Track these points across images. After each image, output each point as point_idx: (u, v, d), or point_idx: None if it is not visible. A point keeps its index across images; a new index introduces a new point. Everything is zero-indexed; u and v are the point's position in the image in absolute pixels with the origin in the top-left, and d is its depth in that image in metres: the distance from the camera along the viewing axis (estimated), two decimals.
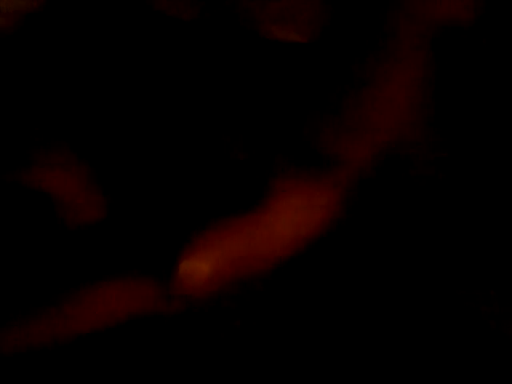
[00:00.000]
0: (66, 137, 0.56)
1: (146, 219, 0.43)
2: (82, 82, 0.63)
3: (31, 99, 0.60)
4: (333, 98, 0.47)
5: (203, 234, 0.40)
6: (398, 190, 0.59)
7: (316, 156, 0.43)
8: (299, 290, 0.57)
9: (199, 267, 0.40)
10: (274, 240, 0.41)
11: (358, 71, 0.48)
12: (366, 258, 0.57)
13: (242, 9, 0.84)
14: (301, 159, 0.42)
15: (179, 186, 0.44)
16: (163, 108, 0.60)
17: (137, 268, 0.42)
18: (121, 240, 0.42)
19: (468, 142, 1.00)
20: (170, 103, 0.61)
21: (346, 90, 0.48)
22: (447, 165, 0.67)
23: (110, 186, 0.45)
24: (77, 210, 0.47)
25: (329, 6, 0.59)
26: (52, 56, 0.65)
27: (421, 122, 0.63)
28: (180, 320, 0.46)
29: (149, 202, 0.44)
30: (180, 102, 0.61)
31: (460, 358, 0.66)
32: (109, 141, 0.57)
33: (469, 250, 0.70)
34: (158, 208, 0.43)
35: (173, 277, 0.40)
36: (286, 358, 0.59)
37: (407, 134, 0.51)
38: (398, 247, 0.62)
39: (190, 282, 0.40)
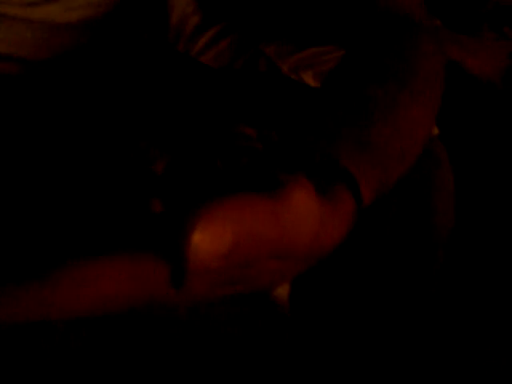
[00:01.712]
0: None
1: (146, 182, 0.41)
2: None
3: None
4: (354, 120, 0.47)
5: (217, 202, 0.35)
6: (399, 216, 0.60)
7: (331, 170, 0.42)
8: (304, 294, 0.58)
9: (218, 238, 0.34)
10: (287, 230, 0.38)
11: (379, 99, 0.48)
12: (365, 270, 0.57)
13: (268, 56, 0.87)
14: (315, 171, 0.41)
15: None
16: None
17: (137, 241, 0.36)
18: (119, 208, 0.39)
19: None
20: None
21: (367, 115, 0.48)
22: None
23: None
24: None
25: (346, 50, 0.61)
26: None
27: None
28: (185, 312, 0.43)
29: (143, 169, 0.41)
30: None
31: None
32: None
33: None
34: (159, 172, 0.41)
35: (183, 250, 0.34)
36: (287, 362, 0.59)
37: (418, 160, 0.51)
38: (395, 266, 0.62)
39: (205, 255, 0.34)
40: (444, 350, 0.71)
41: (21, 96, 0.65)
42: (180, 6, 0.88)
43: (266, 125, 0.41)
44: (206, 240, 0.33)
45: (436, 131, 0.73)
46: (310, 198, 0.36)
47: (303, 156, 0.40)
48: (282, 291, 0.49)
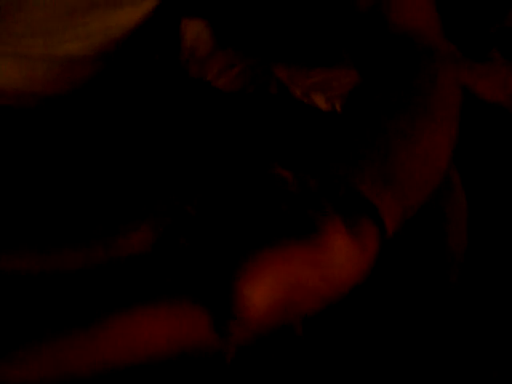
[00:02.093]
0: None
1: (195, 239, 0.39)
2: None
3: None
4: (376, 151, 0.46)
5: (267, 254, 0.34)
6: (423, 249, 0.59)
7: (355, 202, 0.41)
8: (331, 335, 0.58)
9: (269, 292, 0.33)
10: (329, 278, 0.36)
11: (400, 129, 0.48)
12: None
13: (281, 80, 0.88)
14: (340, 203, 0.40)
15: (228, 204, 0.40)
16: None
17: (183, 292, 0.35)
18: (165, 261, 0.36)
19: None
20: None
21: (389, 145, 0.47)
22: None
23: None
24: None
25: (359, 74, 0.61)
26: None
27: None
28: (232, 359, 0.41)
29: (197, 222, 0.40)
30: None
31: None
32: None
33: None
34: (207, 226, 0.39)
35: (233, 303, 0.33)
36: None
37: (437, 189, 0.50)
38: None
39: (256, 310, 0.33)
40: (454, 369, 0.71)
41: (36, 130, 0.65)
42: (193, 30, 0.89)
43: (300, 166, 0.40)
44: (258, 295, 0.33)
45: None
46: (348, 243, 0.36)
47: (327, 189, 0.39)
48: None
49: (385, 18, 0.57)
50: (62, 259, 0.36)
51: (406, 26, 0.57)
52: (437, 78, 0.53)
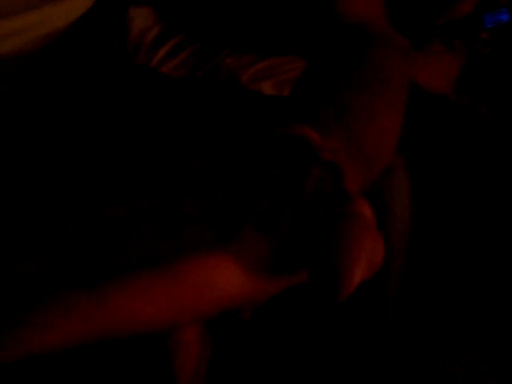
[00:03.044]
0: None
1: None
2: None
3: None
4: (341, 118, 0.48)
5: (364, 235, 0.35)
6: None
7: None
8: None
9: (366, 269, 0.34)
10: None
11: (357, 104, 0.50)
12: None
13: (228, 67, 0.88)
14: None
15: None
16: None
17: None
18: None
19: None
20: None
21: (351, 116, 0.48)
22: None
23: None
24: None
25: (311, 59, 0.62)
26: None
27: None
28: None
29: None
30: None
31: None
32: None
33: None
34: None
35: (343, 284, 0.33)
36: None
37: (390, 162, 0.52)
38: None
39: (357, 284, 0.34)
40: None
41: None
42: (140, 18, 0.89)
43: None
44: (361, 274, 0.34)
45: None
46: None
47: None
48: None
49: (335, 8, 0.59)
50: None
51: (356, 17, 0.59)
52: (387, 63, 0.55)
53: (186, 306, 0.33)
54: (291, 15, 0.62)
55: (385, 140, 0.51)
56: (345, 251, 0.33)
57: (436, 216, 1.05)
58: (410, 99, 0.56)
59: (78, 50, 0.76)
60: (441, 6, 1.26)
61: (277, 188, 0.36)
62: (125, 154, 0.61)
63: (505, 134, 1.19)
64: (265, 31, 0.86)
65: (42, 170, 0.58)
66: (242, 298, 0.35)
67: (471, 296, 1.02)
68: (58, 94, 0.70)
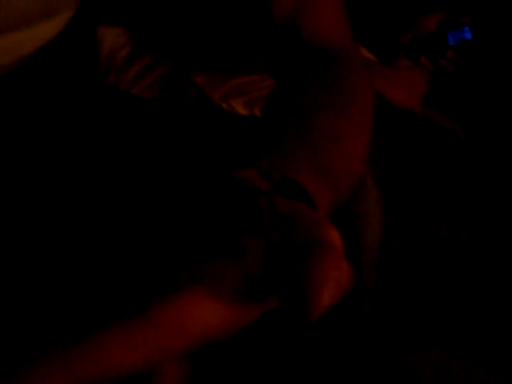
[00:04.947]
0: None
1: None
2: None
3: None
4: (305, 144, 0.49)
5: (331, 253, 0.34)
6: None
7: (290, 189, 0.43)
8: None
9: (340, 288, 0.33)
10: None
11: (323, 128, 0.51)
12: None
13: (199, 86, 0.89)
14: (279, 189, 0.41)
15: None
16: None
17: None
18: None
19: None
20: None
21: (316, 140, 0.49)
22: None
23: None
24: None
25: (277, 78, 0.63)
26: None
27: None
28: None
29: None
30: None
31: None
32: None
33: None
34: None
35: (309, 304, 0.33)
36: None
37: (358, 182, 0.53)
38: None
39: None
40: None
41: None
42: (110, 38, 0.89)
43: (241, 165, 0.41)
44: (329, 298, 0.33)
45: None
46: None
47: (267, 178, 0.41)
48: None
49: (299, 29, 0.60)
50: None
51: (319, 37, 0.60)
52: (353, 83, 0.56)
53: (165, 347, 0.34)
54: (259, 36, 0.63)
55: (352, 160, 0.52)
56: (312, 280, 0.34)
57: (406, 229, 1.06)
58: (376, 113, 0.57)
59: (47, 73, 0.76)
60: (405, 23, 1.28)
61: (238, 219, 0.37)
62: (88, 179, 0.61)
63: (472, 148, 1.22)
64: (234, 50, 0.87)
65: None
66: (219, 331, 0.35)
67: (441, 302, 1.04)
68: (25, 116, 0.70)
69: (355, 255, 0.68)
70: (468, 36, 1.27)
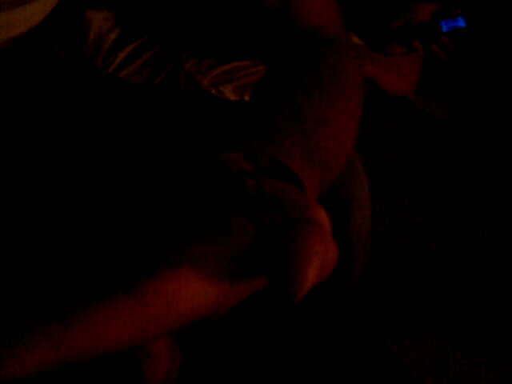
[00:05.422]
0: None
1: None
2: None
3: None
4: (295, 128, 0.48)
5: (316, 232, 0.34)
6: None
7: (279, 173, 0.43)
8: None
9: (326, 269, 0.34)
10: None
11: (310, 111, 0.50)
12: None
13: (188, 71, 0.88)
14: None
15: None
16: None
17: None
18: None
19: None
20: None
21: (305, 124, 0.49)
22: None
23: None
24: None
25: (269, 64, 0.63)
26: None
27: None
28: None
29: None
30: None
31: None
32: None
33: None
34: None
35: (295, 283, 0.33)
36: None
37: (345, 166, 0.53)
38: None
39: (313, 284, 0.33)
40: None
41: None
42: (97, 21, 0.88)
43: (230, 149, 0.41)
44: (313, 277, 0.33)
45: None
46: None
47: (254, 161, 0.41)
48: None
49: (290, 14, 0.60)
50: None
51: (309, 22, 0.60)
52: (340, 66, 0.56)
53: (153, 323, 0.35)
54: (249, 19, 0.63)
55: (341, 144, 0.52)
56: (297, 256, 0.34)
57: (395, 218, 1.06)
58: (369, 100, 0.57)
59: (36, 55, 0.75)
60: (396, 9, 1.28)
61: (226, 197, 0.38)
62: (77, 163, 0.61)
63: (463, 137, 1.21)
64: (225, 35, 0.86)
65: None
66: (207, 308, 0.36)
67: (433, 290, 1.04)
68: (13, 99, 0.70)
69: (343, 238, 0.67)
70: (461, 24, 1.27)
